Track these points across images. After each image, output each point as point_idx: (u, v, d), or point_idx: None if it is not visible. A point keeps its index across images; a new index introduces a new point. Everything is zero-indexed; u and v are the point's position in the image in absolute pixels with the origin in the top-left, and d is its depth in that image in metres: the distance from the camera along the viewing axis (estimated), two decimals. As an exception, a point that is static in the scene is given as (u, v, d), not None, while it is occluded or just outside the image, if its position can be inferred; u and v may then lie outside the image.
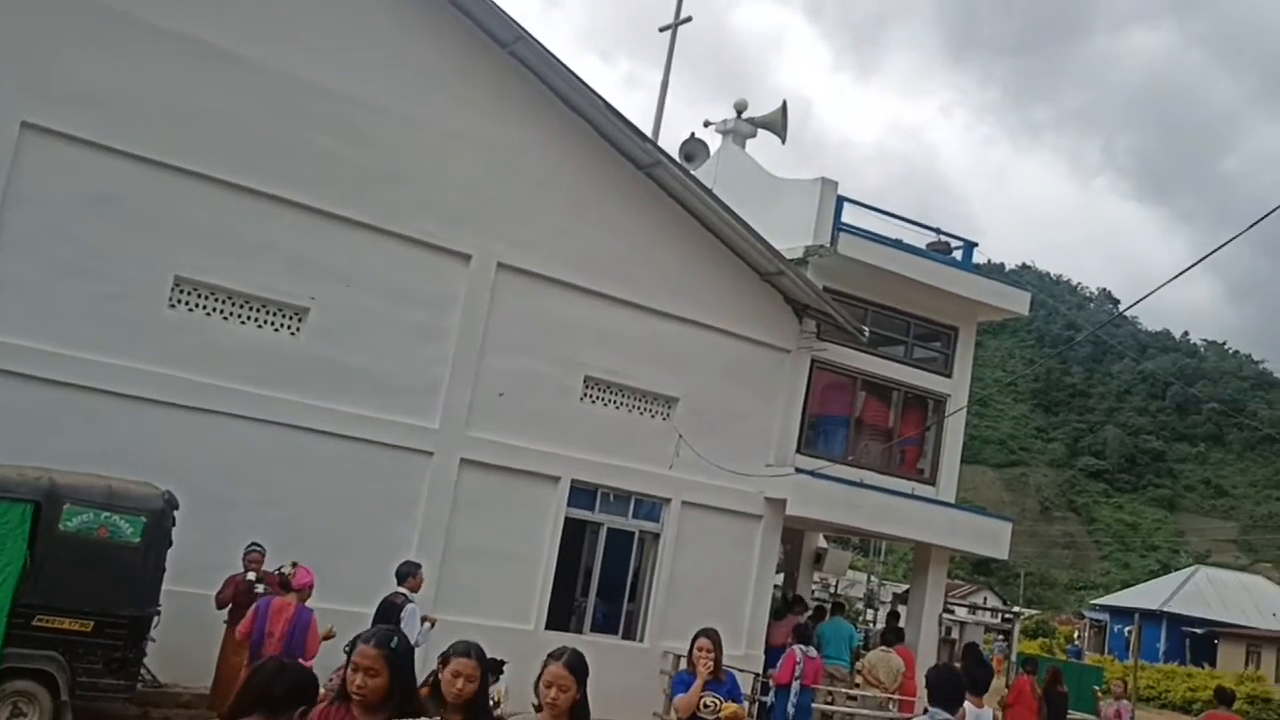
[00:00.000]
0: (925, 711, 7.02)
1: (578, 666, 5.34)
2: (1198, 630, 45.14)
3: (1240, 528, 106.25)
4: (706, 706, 7.79)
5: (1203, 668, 38.46)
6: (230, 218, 12.53)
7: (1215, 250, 8.79)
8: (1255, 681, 35.90)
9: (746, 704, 12.22)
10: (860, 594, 46.20)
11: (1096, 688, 16.71)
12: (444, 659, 5.02)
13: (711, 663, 7.77)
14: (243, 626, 9.77)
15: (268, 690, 3.80)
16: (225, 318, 12.65)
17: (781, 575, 20.66)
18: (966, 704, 8.48)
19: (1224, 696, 14.44)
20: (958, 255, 19.11)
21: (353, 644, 4.38)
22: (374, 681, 4.26)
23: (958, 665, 12.70)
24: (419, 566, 11.50)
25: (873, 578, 56.82)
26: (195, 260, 12.36)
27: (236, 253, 12.56)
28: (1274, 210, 7.92)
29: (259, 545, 11.39)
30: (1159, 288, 11.04)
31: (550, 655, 5.52)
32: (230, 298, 12.65)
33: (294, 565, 10.19)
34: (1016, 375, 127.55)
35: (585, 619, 15.16)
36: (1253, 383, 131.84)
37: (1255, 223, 8.27)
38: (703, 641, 7.89)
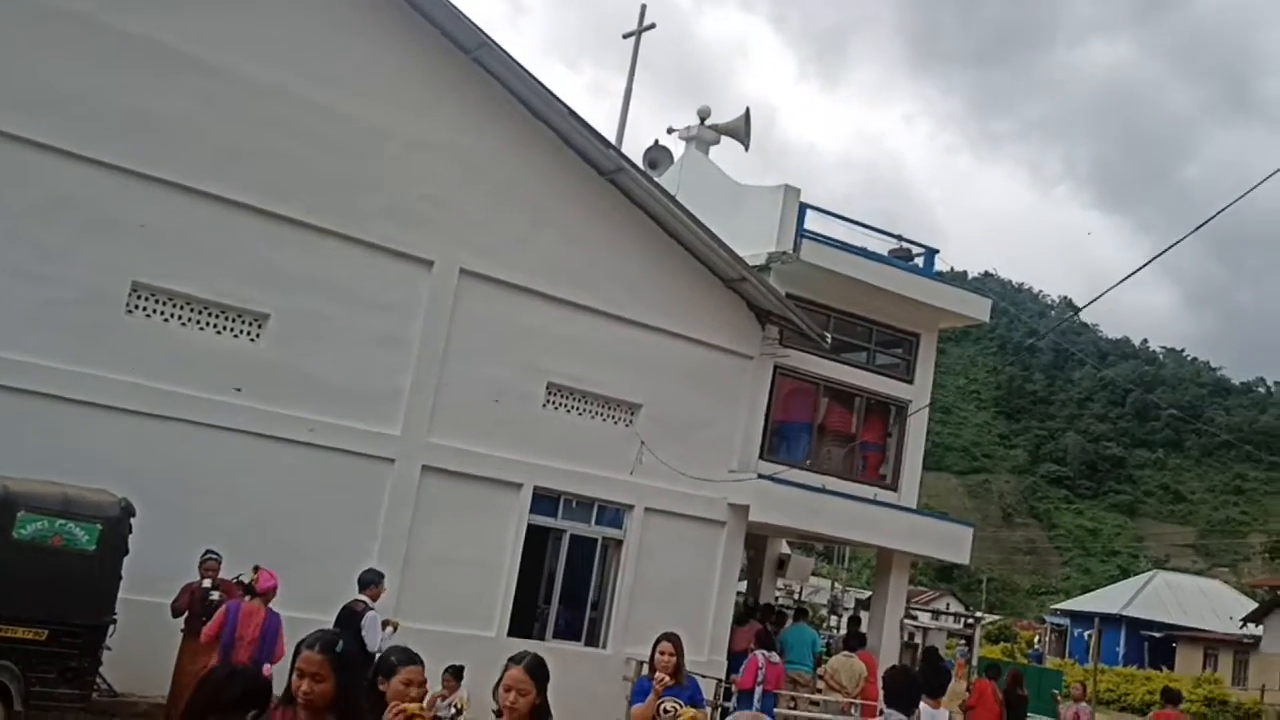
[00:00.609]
0: (881, 713, 7.09)
1: (537, 670, 5.35)
2: (1156, 634, 45.69)
3: (1198, 533, 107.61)
4: (666, 712, 7.77)
5: (1161, 671, 38.92)
6: (190, 223, 12.43)
7: (1163, 252, 8.94)
8: (1212, 684, 36.35)
9: (709, 709, 12.27)
10: (824, 600, 46.41)
11: (1056, 691, 16.86)
12: (388, 671, 4.97)
13: (672, 666, 7.76)
14: (210, 629, 9.69)
15: (219, 696, 3.78)
16: (184, 324, 12.54)
17: (745, 581, 20.72)
18: (923, 705, 8.53)
19: (1171, 696, 14.79)
20: (919, 262, 19.28)
21: (297, 649, 4.35)
22: (320, 687, 4.22)
23: (914, 668, 12.76)
24: (382, 576, 11.45)
25: (836, 584, 57.01)
26: (154, 266, 12.25)
27: (196, 258, 12.46)
28: (1217, 214, 8.06)
29: (215, 553, 11.27)
30: (1110, 288, 11.16)
31: (510, 659, 5.52)
32: (189, 303, 12.55)
33: (255, 570, 10.14)
34: (979, 383, 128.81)
35: (548, 626, 15.12)
36: (1210, 389, 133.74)
37: (1200, 226, 8.41)
38: (664, 645, 7.88)
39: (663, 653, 7.83)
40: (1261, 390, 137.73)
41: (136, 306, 12.26)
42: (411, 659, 5.13)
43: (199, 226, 12.48)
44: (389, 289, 13.70)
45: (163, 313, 12.42)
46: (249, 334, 12.91)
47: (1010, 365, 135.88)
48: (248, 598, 10.06)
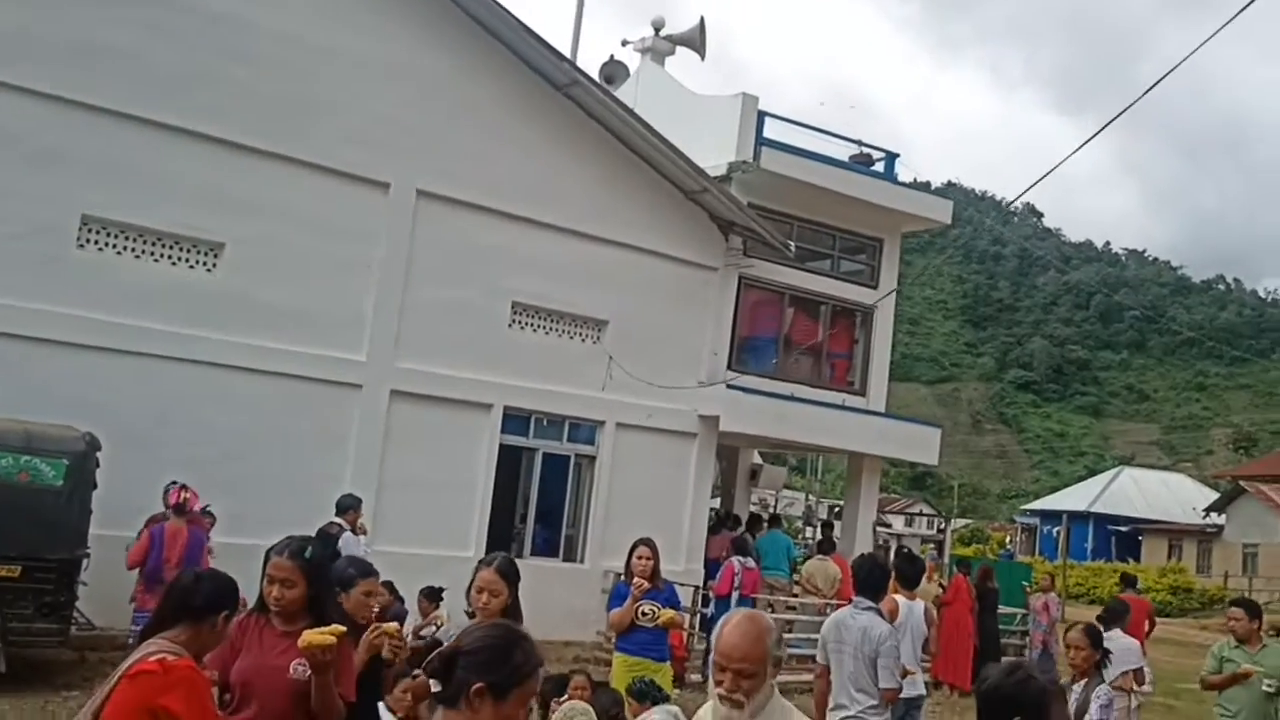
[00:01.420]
0: (851, 602, 7.19)
1: (508, 570, 5.38)
2: (1123, 528, 46.70)
3: (1162, 430, 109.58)
4: (645, 615, 7.87)
5: (1128, 562, 39.81)
6: (139, 153, 12.18)
7: (1087, 140, 8.93)
8: (1177, 573, 37.32)
9: (686, 615, 12.45)
10: (799, 513, 47.02)
11: (1026, 584, 17.22)
12: (347, 583, 4.98)
13: (650, 570, 7.83)
14: (136, 553, 9.70)
15: (187, 600, 3.77)
16: (137, 256, 12.34)
17: (719, 496, 20.94)
18: (899, 597, 8.67)
19: (1128, 580, 15.49)
20: (880, 168, 19.22)
21: (267, 555, 4.36)
22: (291, 593, 4.26)
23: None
24: (359, 501, 11.47)
25: (810, 497, 57.76)
26: (103, 198, 12.01)
27: (145, 189, 12.22)
28: (1128, 108, 8.05)
29: (180, 484, 11.22)
30: (1043, 176, 11.18)
31: (481, 561, 5.55)
32: (142, 235, 12.34)
33: (172, 485, 10.11)
34: (945, 292, 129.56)
35: (525, 544, 15.23)
36: (1172, 289, 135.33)
37: (1126, 108, 8.40)
38: (641, 550, 7.96)
39: (640, 557, 7.91)
40: (1221, 288, 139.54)
41: (88, 240, 12.04)
42: (368, 571, 5.16)
43: (148, 156, 12.22)
44: (346, 213, 13.51)
45: (115, 246, 12.21)
46: (205, 264, 12.73)
47: (976, 273, 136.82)
48: (171, 517, 10.04)
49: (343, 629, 4.10)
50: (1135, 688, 9.01)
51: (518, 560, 5.53)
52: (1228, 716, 8.31)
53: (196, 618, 3.72)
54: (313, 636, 3.98)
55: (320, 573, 4.36)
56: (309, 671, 4.09)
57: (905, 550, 16.76)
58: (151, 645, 3.61)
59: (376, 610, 4.95)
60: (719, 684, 3.44)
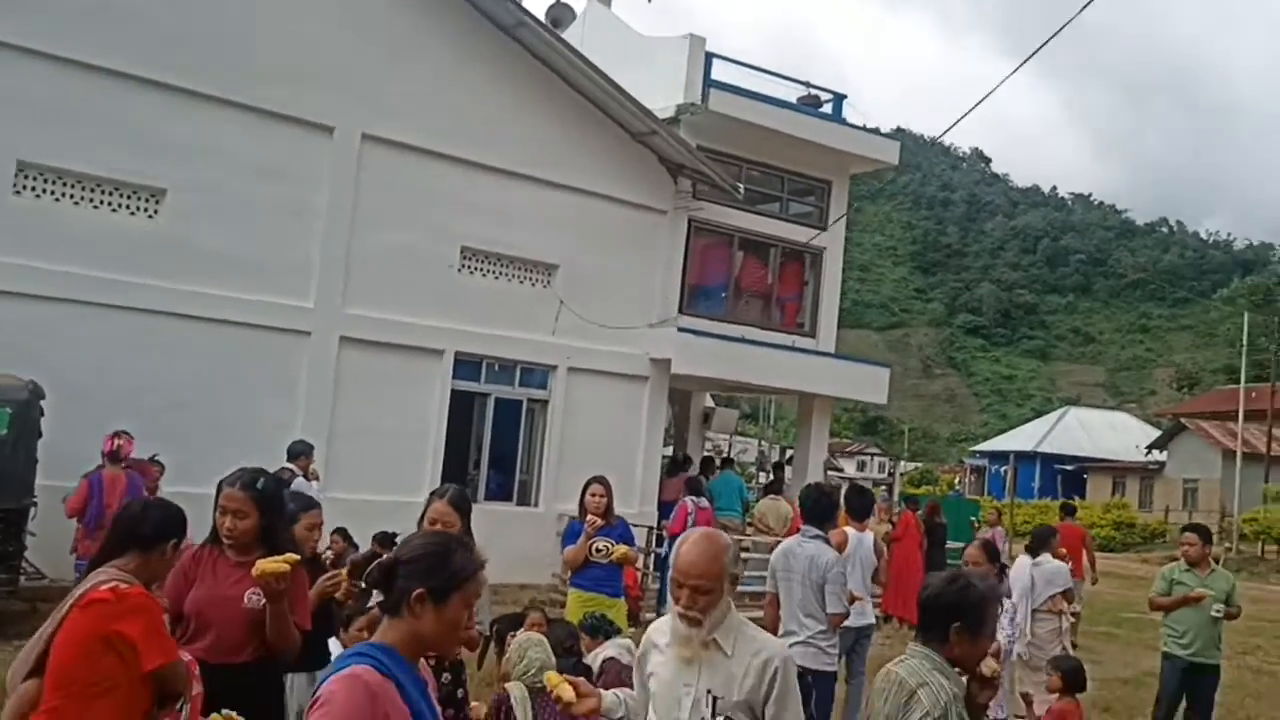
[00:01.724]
0: (799, 531, 7.32)
1: (460, 502, 5.42)
2: (1068, 467, 47.63)
3: (1107, 371, 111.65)
4: (599, 551, 7.94)
5: (1073, 500, 40.60)
6: (74, 98, 11.90)
7: (1015, 70, 9.00)
8: (1120, 509, 38.18)
9: (641, 553, 12.57)
10: (752, 459, 47.45)
11: (973, 519, 17.56)
12: (289, 519, 5.00)
13: (603, 507, 7.89)
14: (75, 501, 9.64)
15: (135, 529, 3.76)
16: (76, 202, 12.11)
17: (672, 437, 21.07)
18: (848, 529, 8.82)
19: (1067, 509, 16.08)
20: (829, 110, 19.23)
21: (219, 487, 4.36)
22: (243, 523, 4.27)
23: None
24: (311, 448, 11.42)
25: (762, 443, 58.20)
26: (39, 144, 11.75)
27: (83, 134, 11.96)
28: (1054, 35, 8.11)
29: (126, 432, 11.12)
30: (972, 108, 11.23)
31: (433, 494, 5.59)
32: (80, 181, 12.10)
33: (115, 434, 10.04)
34: (895, 239, 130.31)
35: (479, 489, 15.26)
36: (1117, 232, 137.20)
37: (1031, 54, 8.48)
38: (595, 488, 8.00)
39: (593, 495, 7.96)
40: (1165, 230, 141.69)
41: (24, 187, 11.79)
42: (310, 504, 5.19)
43: (86, 101, 11.95)
44: (290, 157, 13.32)
45: (53, 192, 11.97)
46: (146, 211, 12.52)
47: (925, 219, 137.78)
48: (107, 466, 9.97)
49: (296, 558, 4.12)
50: (1065, 608, 9.33)
51: (472, 505, 5.61)
52: (1175, 637, 8.58)
53: (145, 546, 3.72)
54: (266, 565, 3.99)
55: (272, 504, 4.37)
56: (263, 601, 4.11)
57: (855, 484, 17.02)
58: (101, 574, 3.61)
59: (331, 555, 4.98)
60: (677, 600, 3.50)
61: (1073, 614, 9.91)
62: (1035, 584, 9.23)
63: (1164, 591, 8.65)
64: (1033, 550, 9.64)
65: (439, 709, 2.68)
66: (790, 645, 6.90)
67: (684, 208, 16.75)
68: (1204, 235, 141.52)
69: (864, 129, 18.66)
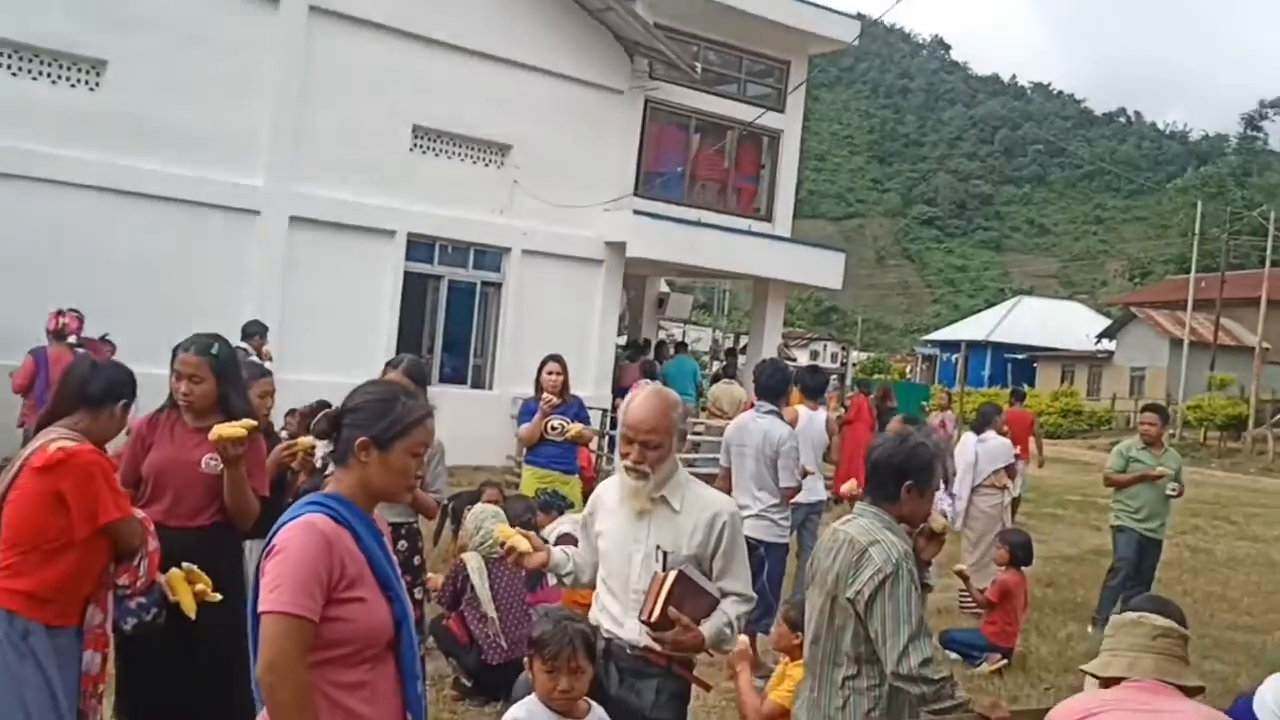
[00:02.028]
0: (752, 406, 7.37)
1: (415, 372, 5.41)
2: (1019, 356, 48.27)
3: (1060, 264, 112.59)
4: (554, 429, 7.96)
5: (1023, 388, 41.38)
6: (3, -37, 11.41)
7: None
8: (1069, 397, 38.90)
9: (595, 431, 12.66)
10: (706, 348, 47.73)
11: (924, 403, 17.83)
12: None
13: (559, 385, 7.89)
14: (20, 378, 9.52)
15: (83, 388, 3.72)
16: (14, 74, 11.72)
17: (627, 323, 21.09)
18: (800, 408, 8.91)
19: (1018, 395, 16.62)
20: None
21: (174, 353, 4.31)
22: (200, 388, 4.23)
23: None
24: (266, 329, 11.28)
25: (716, 332, 58.48)
26: (-31, 12, 11.30)
27: (19, 1, 11.49)
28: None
29: (74, 310, 10.92)
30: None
31: (388, 364, 5.57)
32: (16, 51, 11.70)
33: (60, 312, 9.89)
34: (852, 128, 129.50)
35: (434, 373, 15.23)
36: (1074, 122, 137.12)
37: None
38: (551, 365, 7.99)
39: (549, 373, 7.94)
40: (1122, 120, 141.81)
41: (-43, 57, 11.37)
42: (262, 372, 5.16)
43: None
44: (234, 29, 12.91)
45: (-12, 63, 11.55)
46: (86, 83, 12.14)
47: (883, 108, 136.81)
48: (52, 343, 9.84)
49: (254, 423, 4.10)
50: (1007, 483, 9.64)
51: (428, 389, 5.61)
52: (1129, 512, 8.84)
53: (94, 405, 3.69)
54: (224, 430, 3.98)
55: (228, 369, 4.33)
56: (220, 466, 4.10)
57: (811, 365, 17.16)
58: (51, 433, 3.59)
59: (285, 436, 4.94)
60: (625, 455, 3.54)
61: (1014, 495, 10.20)
62: (979, 459, 9.50)
63: (1120, 468, 8.87)
64: (978, 428, 9.90)
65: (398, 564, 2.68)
66: (743, 519, 7.04)
67: (640, 88, 16.49)
68: (1161, 126, 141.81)
69: (823, 8, 18.30)
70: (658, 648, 3.47)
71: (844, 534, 3.44)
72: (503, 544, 3.70)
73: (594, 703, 3.34)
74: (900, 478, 3.49)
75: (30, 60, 11.78)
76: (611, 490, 3.74)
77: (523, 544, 3.64)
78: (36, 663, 3.41)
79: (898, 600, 3.26)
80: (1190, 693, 2.82)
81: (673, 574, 3.37)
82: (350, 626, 2.43)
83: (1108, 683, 2.93)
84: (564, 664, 3.20)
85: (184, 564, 3.86)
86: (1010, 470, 9.79)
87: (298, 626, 2.35)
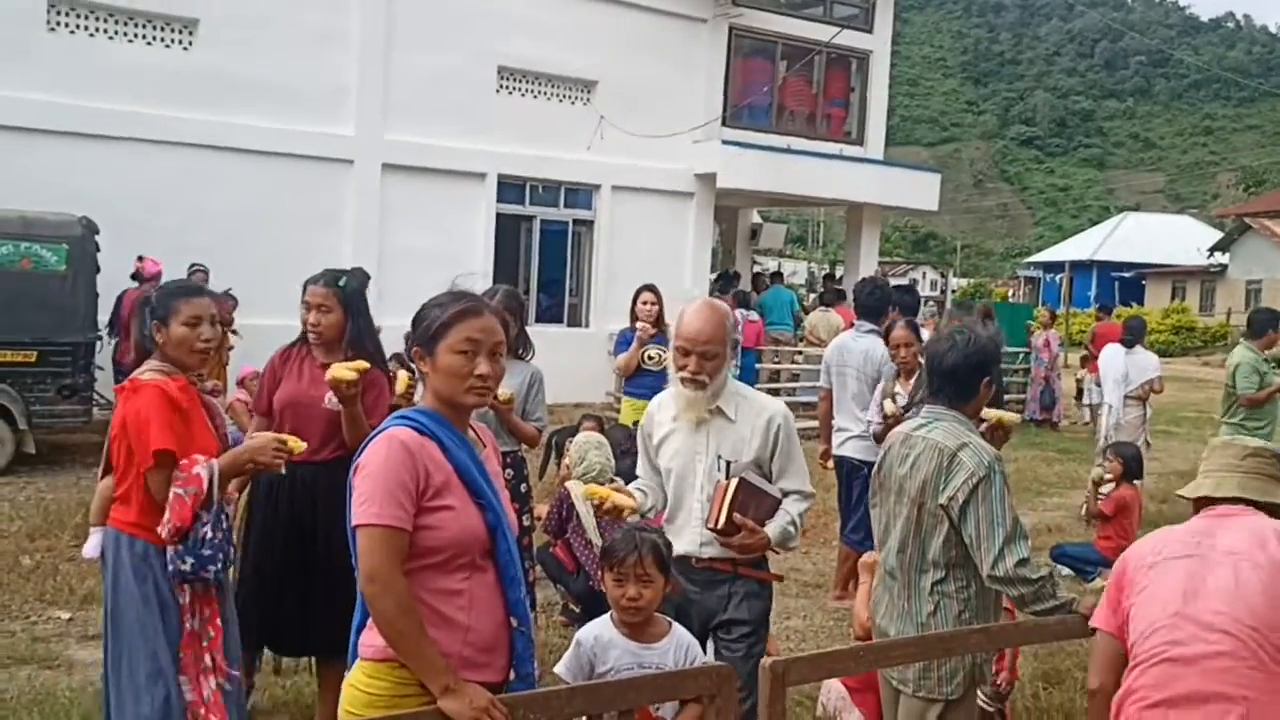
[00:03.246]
0: (852, 326, 7.28)
1: (510, 303, 5.44)
2: (1126, 274, 46.73)
3: (1167, 179, 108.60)
4: (650, 359, 7.96)
5: (1130, 307, 40.17)
6: (95, -71, 11.67)
7: None
8: (1180, 314, 37.61)
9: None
10: (802, 282, 47.31)
11: (1030, 322, 17.39)
12: None
13: (655, 315, 7.88)
14: (111, 318, 10.13)
15: (134, 330, 3.80)
16: (110, 37, 12.01)
17: (721, 257, 20.97)
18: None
19: (1105, 309, 17.59)
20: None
21: (304, 287, 4.40)
22: (328, 318, 4.31)
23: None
24: (369, 277, 11.44)
25: (812, 265, 57.92)
26: (65, -25, 11.59)
27: (110, -34, 11.78)
28: None
29: (201, 265, 11.26)
30: None
31: (484, 293, 5.59)
32: (112, 15, 11.98)
33: (140, 259, 10.30)
34: (945, 49, 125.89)
35: (530, 312, 15.35)
36: (1179, 30, 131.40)
37: None
38: (645, 295, 7.97)
39: (645, 303, 7.93)
40: (1230, 25, 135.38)
41: (58, 24, 11.71)
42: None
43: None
44: (319, -19, 13.03)
45: (87, 27, 11.87)
46: (180, 43, 12.39)
47: (975, 28, 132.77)
48: (136, 284, 10.26)
49: (366, 365, 4.14)
50: (1157, 390, 9.60)
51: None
52: (1258, 428, 8.43)
53: (145, 342, 3.68)
54: (336, 371, 4.04)
55: (355, 303, 4.38)
56: (340, 403, 4.17)
57: (904, 285, 16.89)
58: (142, 368, 3.65)
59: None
60: (682, 369, 3.57)
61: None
62: (1129, 371, 9.50)
63: (1257, 386, 8.38)
64: (1128, 342, 9.93)
65: (495, 475, 2.70)
66: (845, 440, 6.96)
67: (724, 15, 16.23)
68: (1273, 29, 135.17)
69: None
70: (722, 554, 3.56)
71: (924, 440, 3.39)
72: (600, 504, 3.70)
73: (677, 624, 3.31)
74: (981, 375, 3.46)
75: (125, 23, 12.06)
76: (666, 408, 3.78)
77: (622, 499, 3.66)
78: (155, 582, 3.51)
79: (991, 503, 3.22)
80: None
81: (735, 480, 3.45)
82: (440, 534, 2.46)
83: (1197, 506, 2.93)
84: (630, 570, 3.16)
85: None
86: (1159, 383, 9.76)
87: (390, 535, 2.39)
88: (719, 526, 3.44)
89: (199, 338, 3.65)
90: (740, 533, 3.45)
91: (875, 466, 3.67)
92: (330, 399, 4.19)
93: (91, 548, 3.86)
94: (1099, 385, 10.57)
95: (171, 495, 3.42)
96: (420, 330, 2.60)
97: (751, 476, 3.51)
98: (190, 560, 3.45)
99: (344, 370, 4.03)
